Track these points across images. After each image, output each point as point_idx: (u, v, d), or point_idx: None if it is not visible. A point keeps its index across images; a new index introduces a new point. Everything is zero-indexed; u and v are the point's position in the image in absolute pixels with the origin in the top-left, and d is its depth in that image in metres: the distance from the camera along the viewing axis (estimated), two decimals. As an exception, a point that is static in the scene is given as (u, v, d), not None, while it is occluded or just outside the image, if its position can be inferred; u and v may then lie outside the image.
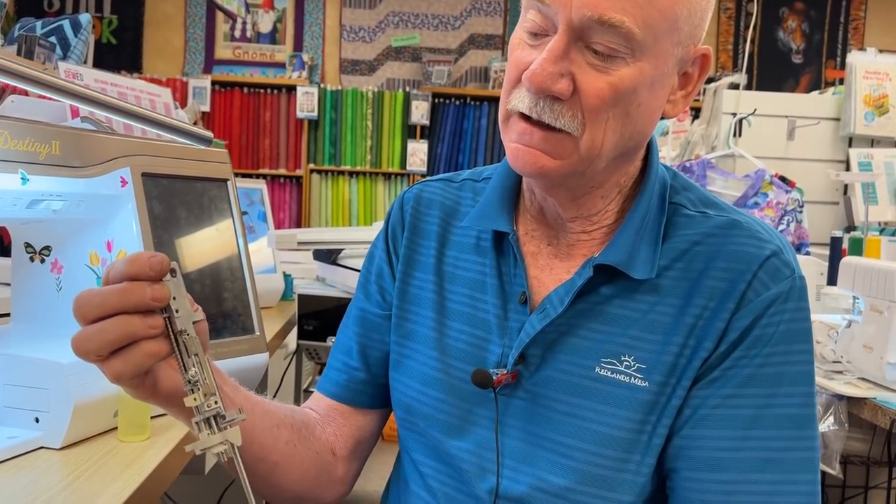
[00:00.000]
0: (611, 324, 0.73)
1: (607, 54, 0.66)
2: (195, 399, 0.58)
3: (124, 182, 1.01)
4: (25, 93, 1.55)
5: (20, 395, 0.88)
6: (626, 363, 0.71)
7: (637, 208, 0.75)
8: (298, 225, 5.14)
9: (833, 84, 5.06)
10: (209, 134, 0.82)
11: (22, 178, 0.86)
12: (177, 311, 0.59)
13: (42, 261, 1.03)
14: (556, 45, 0.66)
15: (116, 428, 0.93)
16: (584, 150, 0.69)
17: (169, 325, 0.59)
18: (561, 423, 0.72)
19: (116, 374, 0.59)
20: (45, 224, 0.99)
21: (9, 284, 1.43)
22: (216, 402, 0.58)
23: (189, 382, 0.58)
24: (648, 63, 0.68)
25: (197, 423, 0.58)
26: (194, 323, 0.60)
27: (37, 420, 0.88)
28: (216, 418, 0.58)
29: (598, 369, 0.72)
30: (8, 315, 1.22)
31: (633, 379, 0.71)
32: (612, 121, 0.68)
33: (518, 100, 0.70)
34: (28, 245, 1.03)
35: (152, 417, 0.95)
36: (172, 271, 0.59)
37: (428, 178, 0.91)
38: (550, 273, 0.78)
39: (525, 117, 0.69)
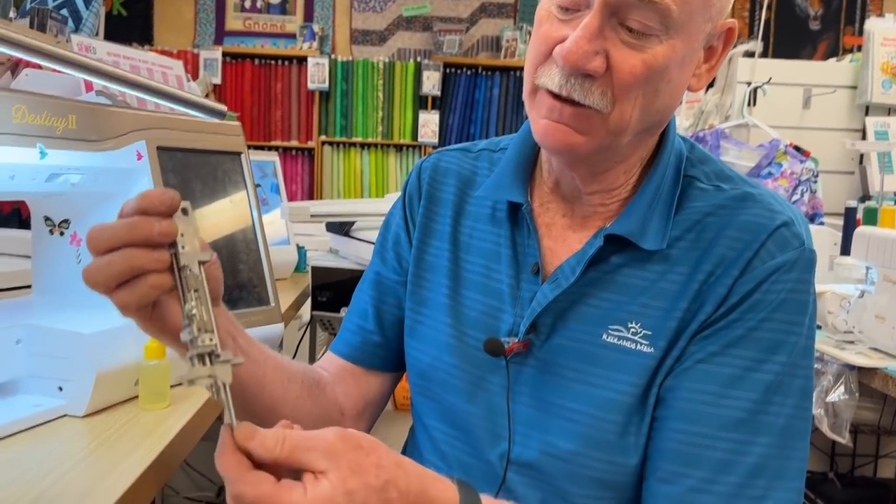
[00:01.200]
0: (620, 292, 0.74)
1: (642, 32, 0.66)
2: (189, 332, 0.57)
3: (140, 156, 1.02)
4: (39, 67, 1.56)
5: (44, 365, 0.90)
6: (632, 330, 0.72)
7: (651, 180, 0.75)
8: (311, 196, 5.16)
9: (851, 51, 4.98)
10: (223, 107, 0.83)
11: (40, 153, 0.87)
12: (183, 248, 0.59)
13: (61, 233, 1.04)
14: (591, 21, 0.65)
15: (137, 396, 0.95)
16: (612, 126, 0.69)
17: (174, 260, 0.59)
18: (569, 389, 0.74)
19: (123, 305, 0.60)
20: (63, 197, 1.00)
21: (29, 257, 1.46)
22: (211, 340, 0.57)
23: (186, 316, 0.58)
24: (681, 40, 0.67)
25: (190, 357, 0.57)
26: (202, 263, 0.60)
27: (60, 389, 0.90)
28: (210, 355, 0.57)
29: (605, 336, 0.73)
30: (29, 287, 1.25)
31: (638, 345, 0.72)
32: (642, 98, 0.68)
33: (547, 77, 0.69)
34: (47, 218, 1.05)
35: (172, 386, 0.97)
36: (184, 210, 0.60)
37: (446, 147, 0.92)
38: (564, 244, 0.79)
39: (553, 94, 0.69)
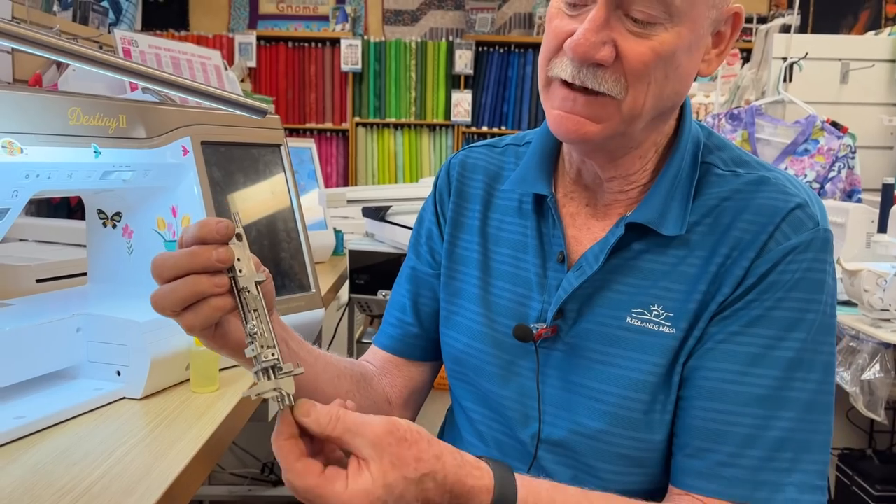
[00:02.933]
0: (643, 277, 0.76)
1: (646, 21, 0.68)
2: (253, 349, 0.63)
3: (186, 151, 1.07)
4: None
5: (103, 351, 0.96)
6: (655, 312, 0.75)
7: (669, 167, 0.78)
8: (346, 177, 5.21)
9: (895, 19, 4.85)
10: (264, 106, 0.86)
11: (95, 152, 0.92)
12: (240, 271, 0.65)
13: (114, 226, 1.10)
14: (597, 14, 0.68)
15: (189, 380, 1.01)
16: (625, 112, 0.72)
17: (233, 283, 0.65)
18: (595, 370, 0.77)
19: (189, 326, 0.66)
20: (115, 192, 1.06)
21: (79, 245, 1.53)
22: (273, 355, 0.63)
23: (248, 335, 0.64)
24: (686, 28, 0.70)
25: (256, 372, 0.63)
26: (258, 283, 0.66)
27: (118, 373, 0.96)
28: (273, 369, 0.63)
29: (628, 319, 0.76)
30: (82, 275, 1.32)
31: (660, 327, 0.75)
32: (654, 84, 0.71)
33: (560, 68, 0.72)
34: (101, 212, 1.10)
35: (221, 370, 1.03)
36: (238, 236, 0.65)
37: (473, 144, 0.96)
38: (588, 232, 0.81)
39: (567, 84, 0.72)
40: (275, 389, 0.62)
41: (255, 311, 0.64)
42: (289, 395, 0.62)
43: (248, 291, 0.65)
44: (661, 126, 0.78)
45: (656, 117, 0.75)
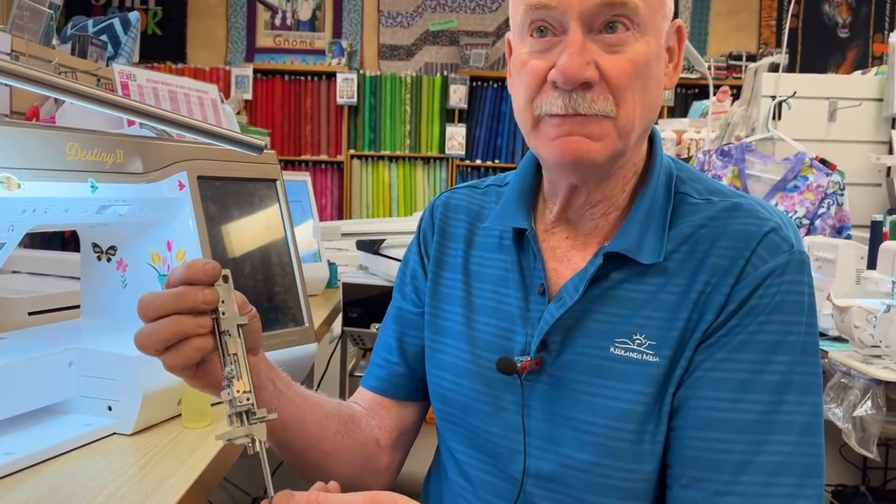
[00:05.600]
0: (623, 306, 0.77)
1: (619, 34, 0.72)
2: (228, 393, 0.65)
3: (182, 185, 1.08)
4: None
5: (94, 386, 0.96)
6: (637, 341, 0.76)
7: (645, 194, 0.80)
8: (340, 209, 5.23)
9: (881, 58, 4.93)
10: (261, 143, 0.87)
11: (91, 187, 0.93)
12: (223, 314, 0.67)
13: (108, 259, 1.10)
14: (574, 37, 0.72)
15: (180, 415, 1.01)
16: (621, 128, 0.74)
17: (216, 325, 0.66)
18: (581, 402, 0.77)
19: (170, 365, 0.68)
20: (111, 227, 1.06)
21: (72, 277, 1.53)
22: (248, 399, 0.65)
23: (226, 378, 0.65)
24: (651, 37, 0.74)
25: (229, 415, 0.65)
26: (240, 326, 0.67)
27: (109, 408, 0.95)
28: (247, 413, 0.64)
29: (612, 349, 0.76)
30: (75, 307, 1.31)
31: (644, 356, 0.75)
32: (637, 95, 0.74)
33: (547, 103, 0.74)
34: (95, 245, 1.11)
35: (212, 405, 1.02)
36: (225, 277, 0.67)
37: (455, 186, 0.98)
38: (569, 264, 0.82)
39: (558, 115, 0.74)
40: (246, 435, 0.63)
41: (234, 354, 0.66)
42: (260, 442, 0.64)
43: (229, 334, 0.66)
44: (641, 144, 0.81)
45: (641, 133, 0.77)
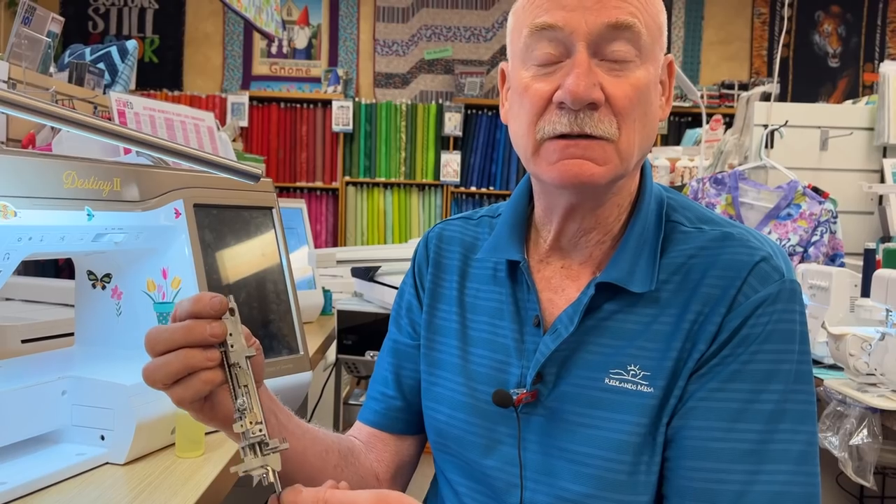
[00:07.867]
0: (617, 337, 0.77)
1: (622, 60, 0.73)
2: (241, 426, 0.64)
3: (178, 213, 1.08)
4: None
5: (87, 415, 0.95)
6: (632, 372, 0.76)
7: (636, 222, 0.80)
8: (335, 235, 5.23)
9: (871, 87, 4.99)
10: (257, 171, 0.88)
11: (88, 215, 0.93)
12: (232, 346, 0.67)
13: (103, 287, 1.10)
14: (580, 58, 0.72)
15: (174, 444, 1.00)
16: (622, 153, 0.74)
17: (224, 358, 0.66)
18: (576, 433, 0.77)
19: (178, 399, 0.67)
20: (106, 254, 1.06)
21: (66, 305, 1.52)
22: (261, 430, 0.65)
23: (238, 410, 0.65)
24: (651, 65, 0.75)
25: (243, 447, 0.64)
26: (248, 357, 0.67)
27: (102, 438, 0.94)
28: (260, 445, 0.64)
29: (607, 380, 0.76)
30: (69, 335, 1.31)
31: (639, 386, 0.75)
32: (637, 121, 0.75)
33: (550, 124, 0.74)
34: (90, 273, 1.10)
35: (206, 434, 1.01)
36: (231, 310, 0.67)
37: (449, 217, 0.98)
38: (563, 294, 0.83)
39: (561, 136, 0.74)
40: (262, 466, 0.63)
41: (244, 386, 0.66)
42: (275, 472, 0.63)
43: (239, 367, 0.66)
44: (636, 173, 0.82)
45: (638, 160, 0.78)
